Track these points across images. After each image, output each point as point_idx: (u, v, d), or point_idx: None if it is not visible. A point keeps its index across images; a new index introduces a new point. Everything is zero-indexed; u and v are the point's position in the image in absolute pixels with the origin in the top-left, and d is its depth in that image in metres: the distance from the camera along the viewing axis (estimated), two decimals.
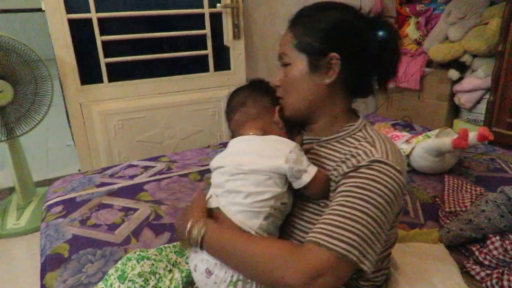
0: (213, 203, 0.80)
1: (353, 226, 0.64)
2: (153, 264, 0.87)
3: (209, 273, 0.76)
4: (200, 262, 0.77)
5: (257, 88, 0.86)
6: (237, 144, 0.82)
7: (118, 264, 0.88)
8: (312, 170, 0.74)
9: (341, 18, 0.77)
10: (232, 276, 0.74)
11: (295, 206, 0.81)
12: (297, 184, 0.75)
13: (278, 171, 0.74)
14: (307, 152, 0.81)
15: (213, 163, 0.83)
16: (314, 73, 0.77)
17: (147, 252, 0.92)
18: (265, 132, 0.81)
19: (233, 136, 0.85)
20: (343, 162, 0.74)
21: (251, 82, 0.89)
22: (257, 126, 0.82)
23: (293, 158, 0.74)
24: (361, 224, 0.65)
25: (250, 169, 0.75)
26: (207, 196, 0.83)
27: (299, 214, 0.80)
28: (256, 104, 0.83)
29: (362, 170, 0.69)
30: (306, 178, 0.74)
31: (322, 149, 0.81)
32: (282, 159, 0.73)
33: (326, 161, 0.79)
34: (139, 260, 0.87)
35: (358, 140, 0.77)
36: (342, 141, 0.79)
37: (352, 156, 0.73)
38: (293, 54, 0.78)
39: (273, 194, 0.75)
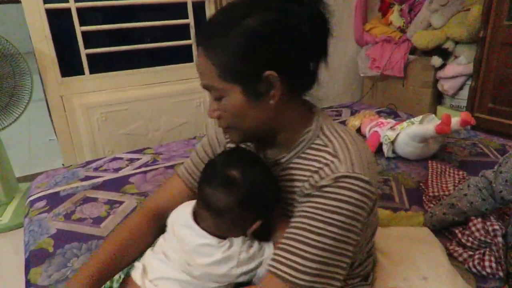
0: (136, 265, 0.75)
1: (317, 255, 0.60)
2: None
3: None
4: None
5: (246, 199, 0.68)
6: (185, 233, 0.72)
7: None
8: (267, 257, 0.70)
9: (262, 24, 0.61)
10: None
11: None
12: (256, 280, 0.71)
13: (229, 281, 0.71)
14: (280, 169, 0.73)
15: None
16: (254, 100, 0.65)
17: None
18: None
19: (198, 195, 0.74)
20: (306, 180, 0.66)
21: (243, 177, 0.68)
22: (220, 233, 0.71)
23: (245, 258, 0.69)
24: (327, 251, 0.61)
25: (200, 274, 0.69)
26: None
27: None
28: (233, 220, 0.69)
29: (327, 189, 0.62)
30: (262, 271, 0.70)
31: (288, 171, 0.72)
32: (233, 264, 0.69)
33: (295, 183, 0.70)
34: None
35: (318, 150, 0.68)
36: (302, 155, 0.70)
37: (315, 172, 0.65)
38: (222, 85, 0.64)
39: None
